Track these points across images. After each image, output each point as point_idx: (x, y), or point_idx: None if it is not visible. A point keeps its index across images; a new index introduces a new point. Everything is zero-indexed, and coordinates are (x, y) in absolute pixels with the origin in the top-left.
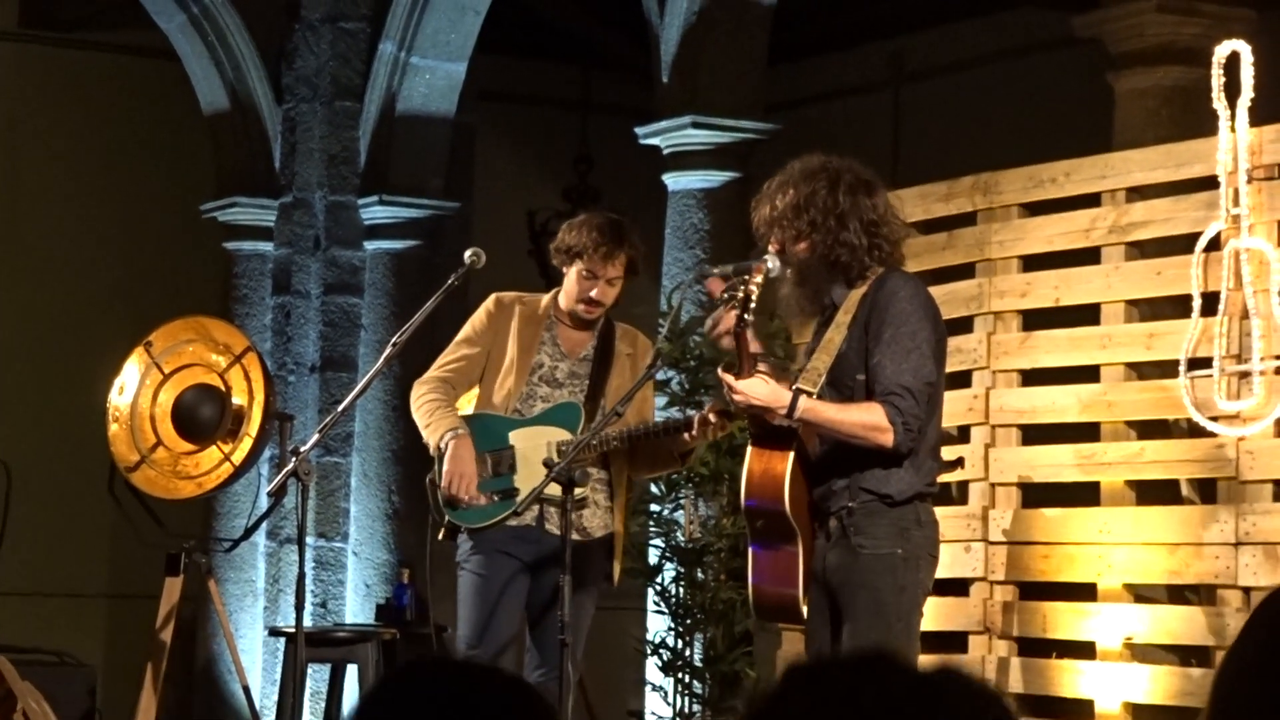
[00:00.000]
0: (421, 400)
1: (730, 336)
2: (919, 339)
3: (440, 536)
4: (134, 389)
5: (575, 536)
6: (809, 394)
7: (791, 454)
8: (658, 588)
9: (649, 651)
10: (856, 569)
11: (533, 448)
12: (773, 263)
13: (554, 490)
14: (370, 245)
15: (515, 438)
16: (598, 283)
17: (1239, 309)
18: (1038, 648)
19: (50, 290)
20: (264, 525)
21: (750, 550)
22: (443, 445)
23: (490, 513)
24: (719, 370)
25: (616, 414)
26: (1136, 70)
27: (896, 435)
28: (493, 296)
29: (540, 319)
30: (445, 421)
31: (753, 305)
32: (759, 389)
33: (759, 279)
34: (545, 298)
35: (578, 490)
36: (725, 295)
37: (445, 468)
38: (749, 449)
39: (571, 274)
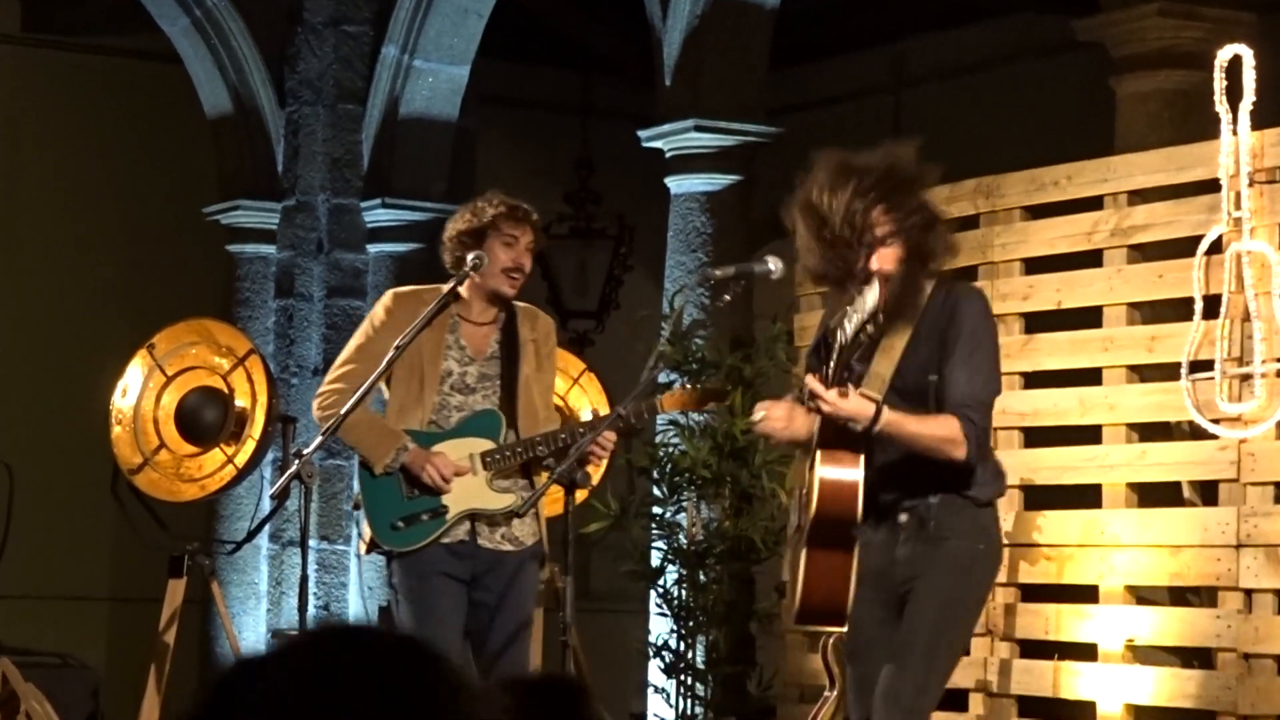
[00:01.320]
0: (356, 421)
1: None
2: (993, 356)
3: (365, 552)
4: (137, 391)
5: (508, 546)
6: (882, 404)
7: (862, 461)
8: (660, 590)
9: (651, 654)
10: (937, 557)
11: (458, 461)
12: (775, 264)
13: (490, 503)
14: (373, 248)
15: (440, 452)
16: (519, 247)
17: (1240, 312)
18: (1040, 650)
19: (53, 293)
20: (267, 528)
21: (804, 557)
22: (395, 462)
23: (419, 534)
24: (807, 378)
25: (619, 415)
26: (1138, 74)
27: (969, 449)
28: (390, 293)
29: (443, 320)
30: (390, 437)
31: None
32: (846, 401)
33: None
34: (444, 291)
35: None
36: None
37: (415, 473)
38: (817, 453)
39: (491, 250)
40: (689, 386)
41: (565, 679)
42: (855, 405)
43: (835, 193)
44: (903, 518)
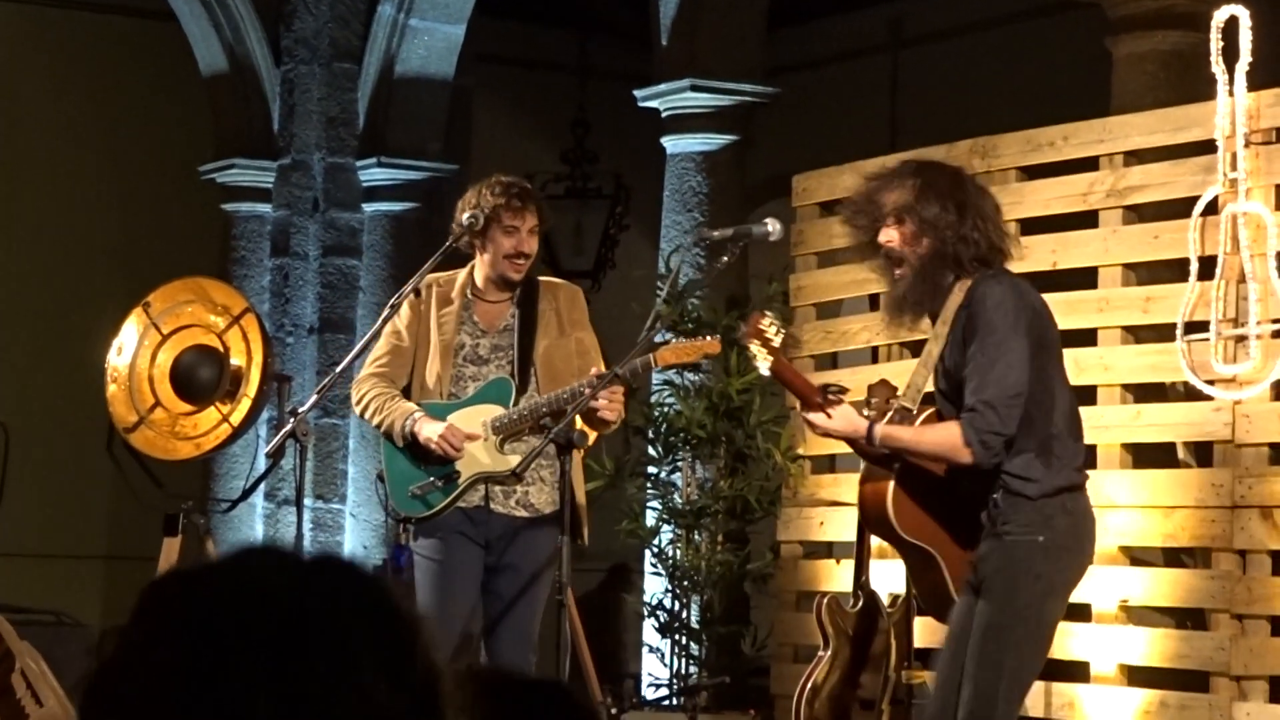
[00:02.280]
0: (367, 399)
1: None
2: (1004, 348)
3: (401, 531)
4: (132, 350)
5: (523, 513)
6: (874, 420)
7: (892, 481)
8: (655, 550)
9: (646, 614)
10: (999, 554)
11: (469, 430)
12: (773, 226)
13: (499, 466)
14: (368, 207)
15: (453, 420)
16: (520, 234)
17: (1236, 273)
18: None
19: (49, 252)
20: (262, 486)
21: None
22: (407, 432)
23: (433, 500)
24: (802, 412)
25: (616, 374)
26: (1135, 34)
27: (975, 453)
28: (424, 278)
29: (457, 299)
30: (400, 408)
31: (775, 343)
32: (837, 421)
33: (765, 324)
34: (461, 275)
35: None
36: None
37: (425, 441)
38: (862, 467)
39: (494, 239)
40: (683, 340)
41: (554, 685)
42: (845, 424)
43: (884, 168)
44: (983, 516)
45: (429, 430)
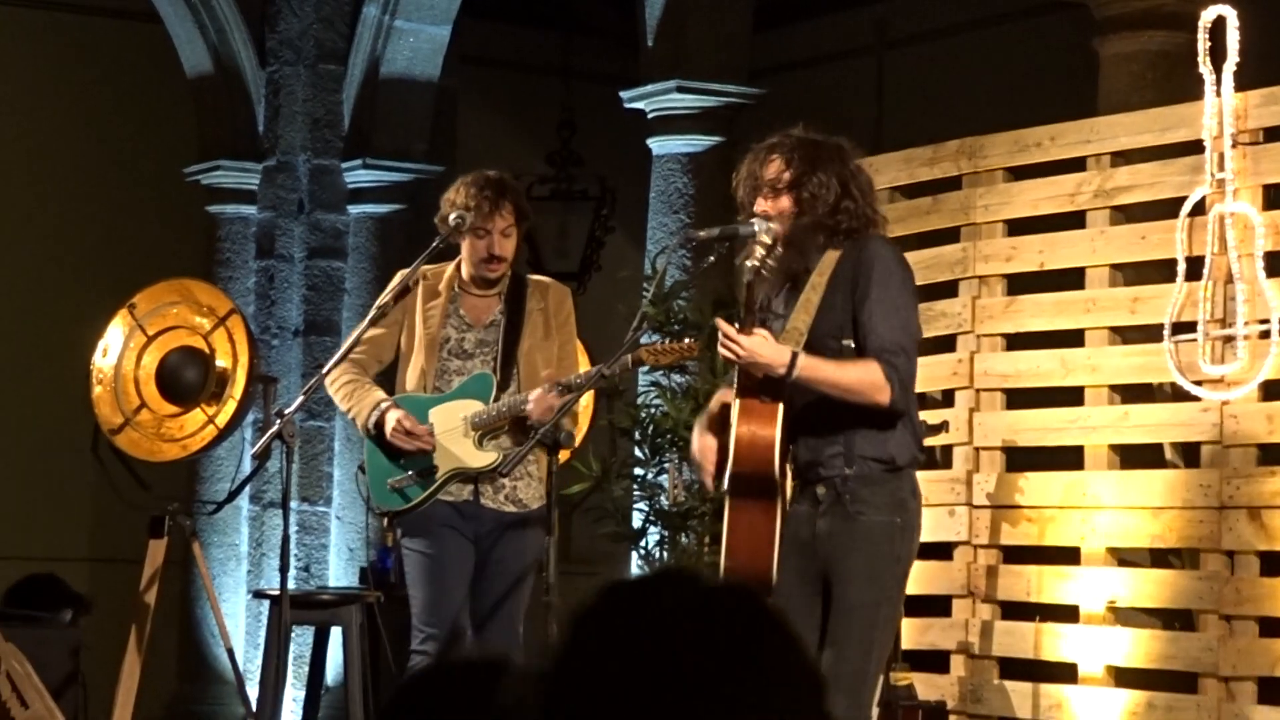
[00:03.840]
0: (338, 385)
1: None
2: (906, 298)
3: (385, 526)
4: (118, 351)
5: (510, 508)
6: (799, 351)
7: (780, 411)
8: (642, 552)
9: None
10: (854, 535)
11: (449, 424)
12: (759, 226)
13: (475, 462)
14: (354, 209)
15: (434, 415)
16: (491, 237)
17: (1224, 273)
18: (1021, 611)
19: (33, 253)
20: (247, 489)
21: (726, 513)
22: (371, 424)
23: (410, 494)
24: (717, 320)
25: (602, 375)
26: (1122, 35)
27: (894, 392)
28: (399, 275)
29: (444, 291)
30: (368, 399)
31: (770, 261)
32: (762, 346)
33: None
34: (449, 268)
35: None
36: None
37: (390, 436)
38: (735, 404)
39: (468, 243)
40: (667, 342)
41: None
42: (770, 350)
43: (763, 143)
44: (820, 490)
45: (390, 423)
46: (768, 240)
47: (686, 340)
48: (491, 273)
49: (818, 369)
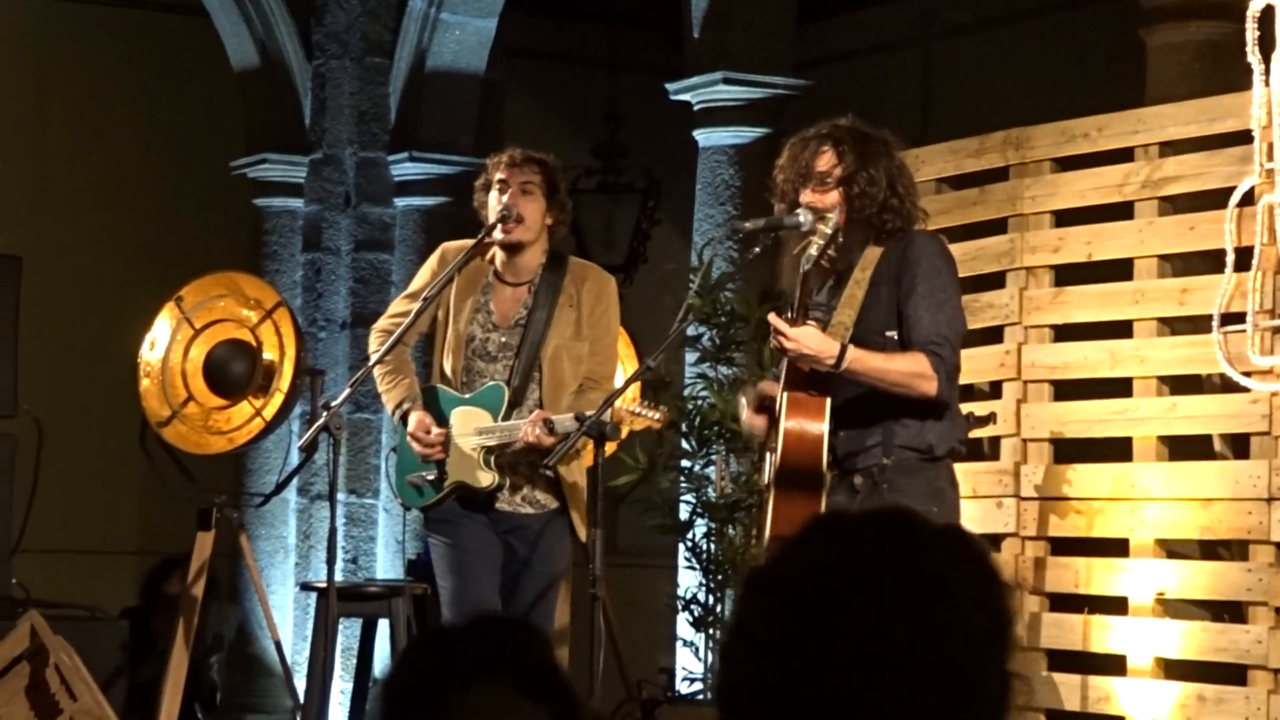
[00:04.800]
0: (379, 372)
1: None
2: (950, 292)
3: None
4: (165, 344)
5: (528, 509)
6: (848, 343)
7: (828, 405)
8: (689, 544)
9: (680, 607)
10: None
11: (464, 430)
12: (805, 217)
13: (475, 482)
14: (400, 202)
15: (455, 416)
16: (510, 189)
17: (1273, 264)
18: (1069, 603)
19: (81, 247)
20: (295, 481)
21: (771, 496)
22: (396, 418)
23: (427, 495)
24: (770, 316)
25: (648, 367)
26: (1169, 25)
27: (940, 384)
28: (441, 248)
29: (478, 281)
30: (398, 390)
31: (830, 253)
32: (811, 338)
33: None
34: (488, 255)
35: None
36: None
37: (408, 438)
38: (783, 398)
39: (493, 201)
40: (646, 404)
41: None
42: (820, 342)
43: (810, 132)
44: (857, 479)
45: (411, 423)
46: (828, 231)
47: (661, 409)
48: (507, 234)
49: (866, 361)
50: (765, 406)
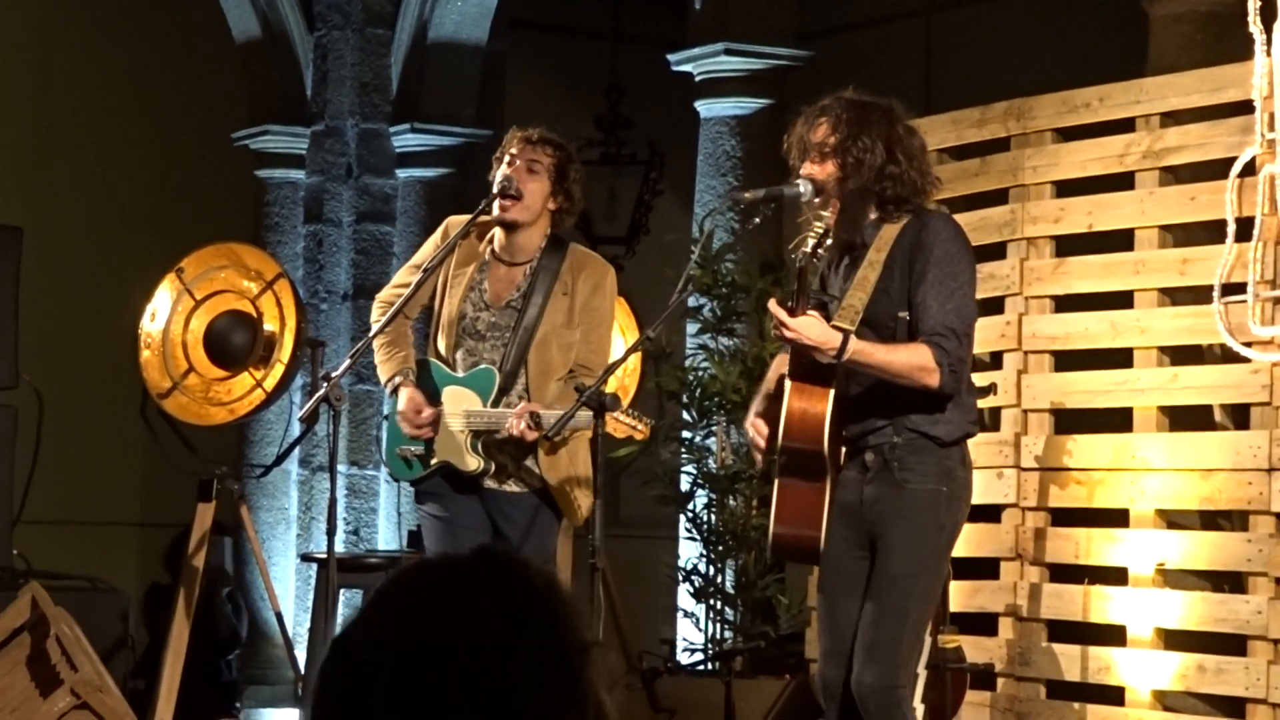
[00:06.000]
0: (377, 344)
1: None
2: (962, 280)
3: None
4: (166, 315)
5: (514, 487)
6: (850, 333)
7: (832, 394)
8: (689, 515)
9: (681, 578)
10: (899, 503)
11: (454, 410)
12: (805, 188)
13: (462, 465)
14: (402, 173)
15: (446, 396)
16: (515, 164)
17: (1274, 234)
18: (1070, 574)
19: (82, 218)
20: (296, 453)
21: (776, 486)
22: (389, 391)
23: (415, 470)
24: (771, 304)
25: (648, 338)
26: None
27: (942, 376)
28: (446, 221)
29: (476, 258)
30: (392, 364)
31: (823, 251)
32: (812, 328)
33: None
34: (489, 234)
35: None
36: (799, 194)
37: (398, 415)
38: (787, 385)
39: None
40: (634, 414)
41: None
42: (820, 332)
43: (814, 105)
44: (868, 456)
45: (401, 400)
46: (820, 229)
47: (646, 421)
48: (504, 211)
49: (867, 353)
50: (774, 394)
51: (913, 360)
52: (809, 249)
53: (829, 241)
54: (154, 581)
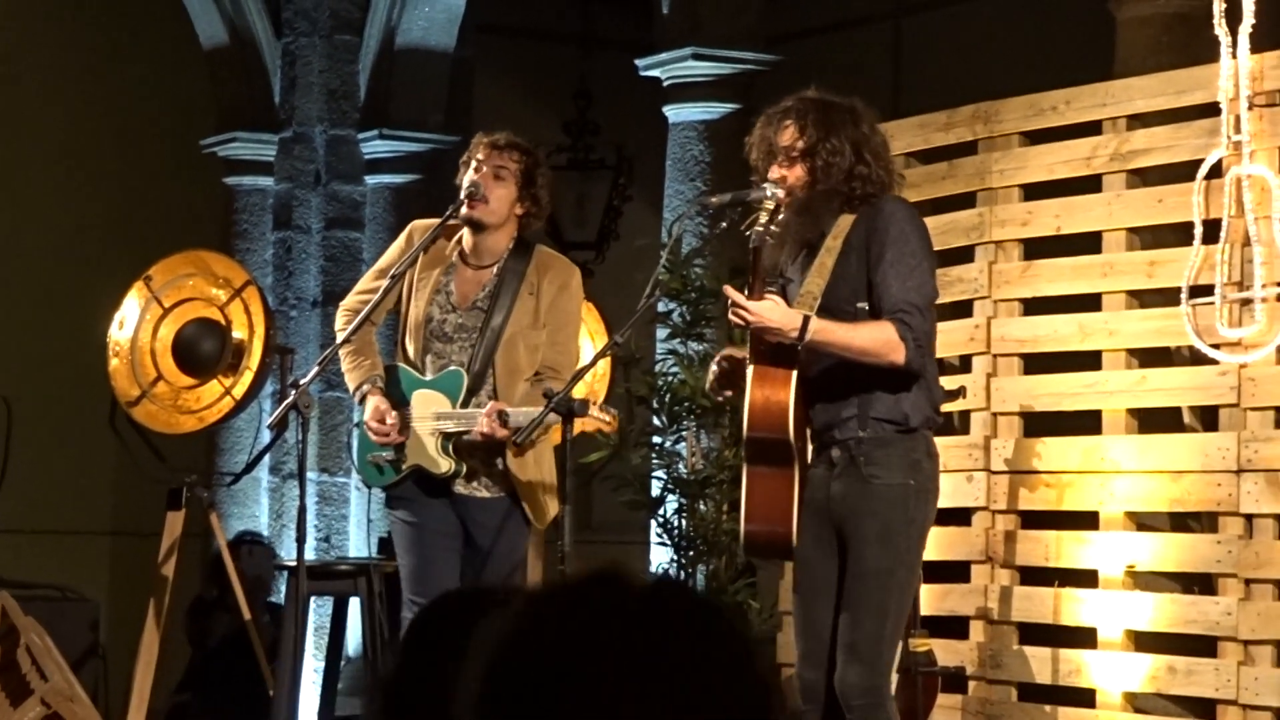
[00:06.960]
0: (342, 352)
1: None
2: (920, 258)
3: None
4: (134, 323)
5: (484, 493)
6: (810, 315)
7: (794, 378)
8: (660, 520)
9: None
10: (867, 498)
11: (423, 413)
12: (772, 191)
13: (433, 467)
14: (371, 180)
15: (415, 399)
16: (482, 170)
17: (1241, 236)
18: (1040, 577)
19: (50, 226)
20: (266, 460)
21: (745, 476)
22: (357, 400)
23: (387, 475)
24: (725, 288)
25: (616, 343)
26: None
27: (908, 352)
28: (410, 226)
29: (442, 261)
30: (359, 372)
31: (777, 222)
32: (772, 311)
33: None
34: (455, 236)
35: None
36: (757, 202)
37: (365, 424)
38: (749, 370)
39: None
40: (603, 407)
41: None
42: (781, 315)
43: (776, 107)
44: (835, 453)
45: (368, 409)
46: (770, 206)
47: (613, 412)
48: (472, 210)
49: (830, 332)
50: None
51: (877, 336)
52: (762, 226)
53: (780, 216)
54: (198, 595)
